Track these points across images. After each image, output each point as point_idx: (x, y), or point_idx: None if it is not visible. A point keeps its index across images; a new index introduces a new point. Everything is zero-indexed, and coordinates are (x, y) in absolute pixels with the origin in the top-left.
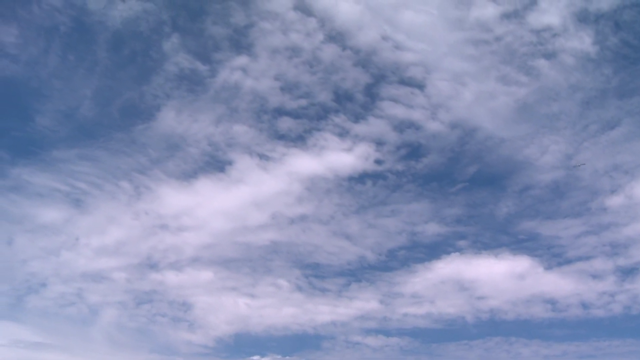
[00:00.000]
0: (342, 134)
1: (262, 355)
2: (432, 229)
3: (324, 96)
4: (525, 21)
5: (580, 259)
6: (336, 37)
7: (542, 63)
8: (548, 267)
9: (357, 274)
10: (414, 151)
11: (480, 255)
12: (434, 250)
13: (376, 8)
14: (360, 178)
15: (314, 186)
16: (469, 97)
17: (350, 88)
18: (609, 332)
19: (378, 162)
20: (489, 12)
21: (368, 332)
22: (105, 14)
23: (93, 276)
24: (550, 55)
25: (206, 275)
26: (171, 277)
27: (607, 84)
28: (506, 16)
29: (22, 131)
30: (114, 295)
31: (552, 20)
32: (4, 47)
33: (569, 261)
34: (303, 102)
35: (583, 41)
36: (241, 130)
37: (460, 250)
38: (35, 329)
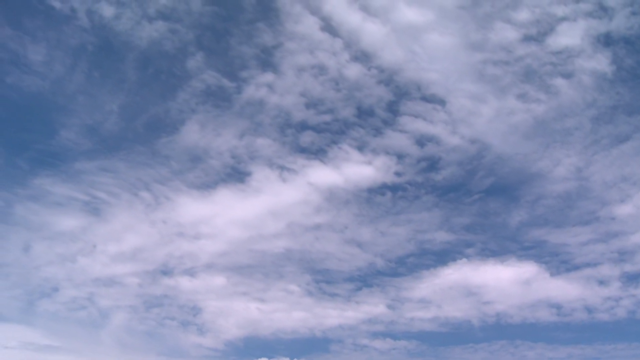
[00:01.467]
0: (364, 147)
1: (270, 358)
2: (443, 237)
3: (348, 112)
4: (545, 43)
5: (587, 265)
6: (361, 57)
7: (560, 82)
8: (555, 273)
9: (366, 279)
10: (433, 164)
11: (487, 262)
12: (443, 257)
13: (401, 30)
14: (380, 189)
15: (333, 197)
16: (488, 114)
17: (373, 104)
18: (613, 336)
19: (398, 174)
20: (510, 35)
21: (376, 335)
22: (132, 34)
23: (105, 281)
24: (568, 75)
25: (219, 280)
26: (184, 283)
27: (619, 101)
28: (526, 39)
29: (45, 144)
30: (125, 300)
31: (572, 42)
32: (31, 65)
33: (576, 267)
34: (327, 117)
35: (600, 62)
36: (264, 144)
37: (468, 257)
38: (45, 332)
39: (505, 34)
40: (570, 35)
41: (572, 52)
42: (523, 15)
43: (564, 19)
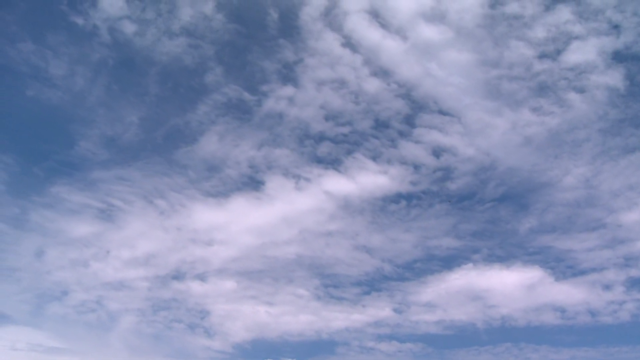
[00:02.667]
0: (380, 157)
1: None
2: (450, 243)
3: (365, 124)
4: (560, 60)
5: (593, 270)
6: (380, 72)
7: (573, 96)
8: (560, 278)
9: (373, 284)
10: (448, 174)
11: (493, 267)
12: (450, 262)
13: (420, 47)
14: (394, 198)
15: (347, 205)
16: (503, 126)
17: (390, 116)
18: (617, 339)
19: (413, 183)
20: (526, 52)
21: (382, 338)
22: (153, 50)
23: (116, 285)
24: (582, 90)
25: (229, 285)
26: (194, 287)
27: (628, 115)
28: (542, 56)
29: (64, 154)
30: (134, 303)
31: (585, 58)
32: (52, 79)
33: (581, 272)
34: (345, 129)
35: (614, 77)
36: (282, 154)
37: (474, 262)
38: (53, 335)
39: (521, 51)
40: (584, 52)
41: (586, 68)
42: (539, 33)
43: (578, 37)
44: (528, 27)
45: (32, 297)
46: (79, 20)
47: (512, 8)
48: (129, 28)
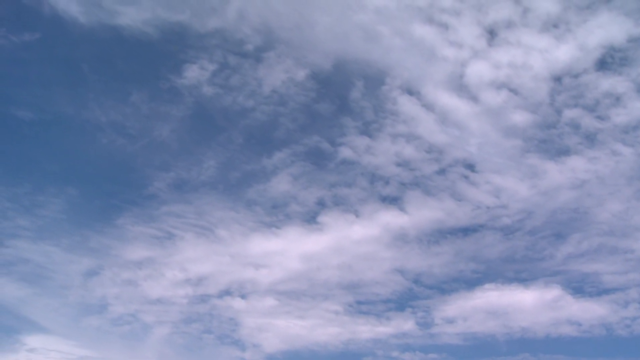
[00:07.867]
0: (439, 195)
1: None
2: (479, 267)
3: (431, 168)
4: (612, 120)
5: (616, 289)
6: (451, 129)
7: (622, 148)
8: (579, 297)
9: (400, 301)
10: (504, 210)
11: (516, 287)
12: (474, 282)
13: (489, 109)
14: (451, 231)
15: (398, 236)
16: (558, 172)
17: (456, 162)
18: (633, 351)
19: (472, 218)
20: (580, 115)
21: (406, 348)
22: (236, 108)
23: (154, 301)
24: (630, 144)
25: (269, 302)
26: (235, 303)
27: None
28: (594, 118)
29: (134, 194)
30: (170, 316)
31: (635, 118)
32: (128, 130)
33: (604, 291)
34: (413, 173)
35: None
36: (349, 193)
37: (497, 282)
38: (85, 344)
39: (576, 115)
40: (634, 113)
41: (635, 126)
42: (594, 99)
43: (629, 99)
44: (584, 96)
45: (74, 311)
46: (163, 85)
47: (570, 81)
48: (212, 91)
